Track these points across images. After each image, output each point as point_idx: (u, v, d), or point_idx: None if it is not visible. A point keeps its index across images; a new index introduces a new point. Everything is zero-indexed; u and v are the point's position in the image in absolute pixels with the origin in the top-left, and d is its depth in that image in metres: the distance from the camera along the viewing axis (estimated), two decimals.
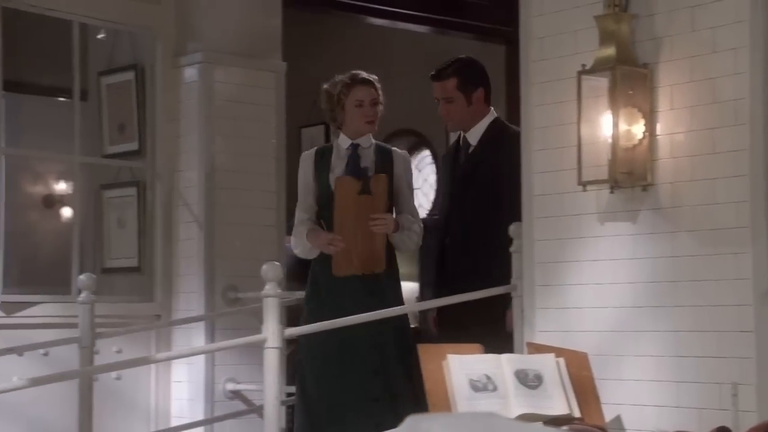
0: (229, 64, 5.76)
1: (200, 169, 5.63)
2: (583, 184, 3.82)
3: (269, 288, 3.73)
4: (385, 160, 4.53)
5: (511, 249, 4.16)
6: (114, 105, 5.94)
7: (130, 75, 5.86)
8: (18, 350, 4.69)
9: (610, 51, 3.75)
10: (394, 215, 4.51)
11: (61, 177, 7.04)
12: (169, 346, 5.58)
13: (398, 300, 4.49)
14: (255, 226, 5.75)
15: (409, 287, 7.76)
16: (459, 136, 4.74)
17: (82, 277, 4.62)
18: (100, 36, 5.93)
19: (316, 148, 4.68)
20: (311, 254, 4.49)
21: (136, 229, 5.77)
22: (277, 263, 3.80)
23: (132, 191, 5.80)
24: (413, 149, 9.23)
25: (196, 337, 5.53)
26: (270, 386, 3.72)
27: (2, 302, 5.10)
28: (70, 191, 6.37)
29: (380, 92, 4.52)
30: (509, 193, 4.25)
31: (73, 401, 4.68)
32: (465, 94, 4.57)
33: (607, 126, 3.74)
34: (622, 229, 3.88)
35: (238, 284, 5.57)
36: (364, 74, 4.52)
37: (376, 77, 4.56)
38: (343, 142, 4.55)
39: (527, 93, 4.15)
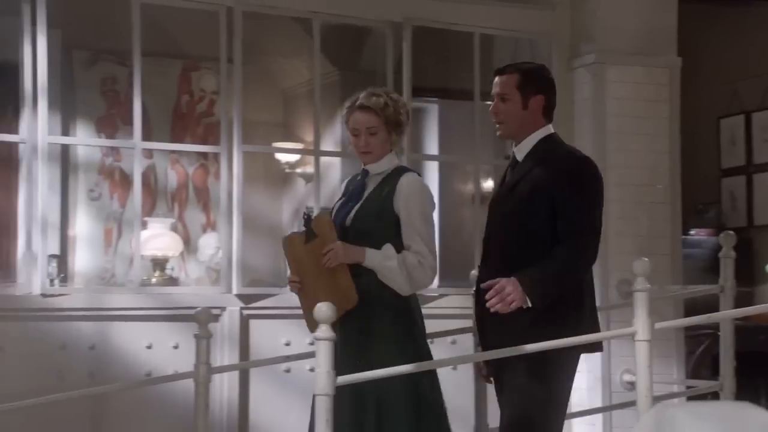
0: (622, 63, 5.93)
1: None
2: None
3: (639, 283, 3.88)
4: (389, 190, 3.95)
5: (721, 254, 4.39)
6: None
7: None
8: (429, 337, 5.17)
9: None
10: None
11: (488, 175, 7.58)
12: None
13: (388, 349, 3.87)
14: (649, 221, 5.87)
15: None
16: (512, 153, 4.08)
17: (474, 272, 4.99)
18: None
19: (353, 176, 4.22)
20: None
21: None
22: (645, 259, 3.88)
23: None
24: None
25: None
26: (642, 378, 3.86)
27: None
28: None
29: (387, 116, 3.94)
30: (555, 209, 3.78)
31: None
32: (523, 95, 3.91)
33: None
34: None
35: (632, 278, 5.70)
36: (364, 98, 3.96)
37: (388, 98, 3.98)
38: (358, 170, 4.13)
39: None
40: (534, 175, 3.86)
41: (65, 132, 7.45)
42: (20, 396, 4.20)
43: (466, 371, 5.23)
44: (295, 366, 5.39)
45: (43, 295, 4.92)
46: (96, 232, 7.58)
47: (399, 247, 3.88)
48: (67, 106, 7.50)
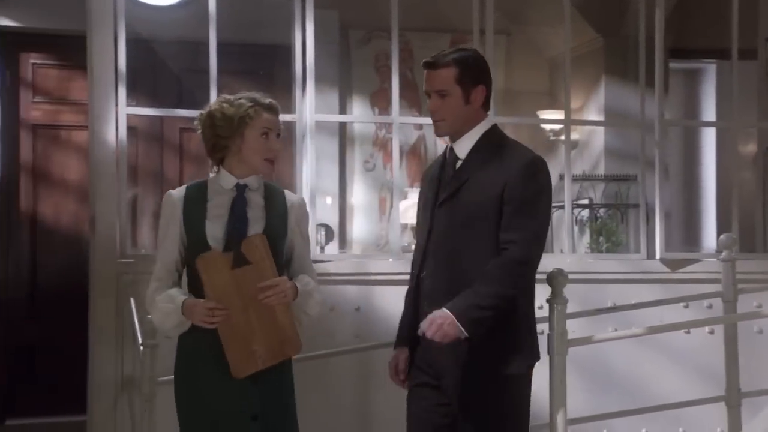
0: None
1: None
2: None
3: None
4: (278, 207, 3.59)
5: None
6: None
7: None
8: (684, 300, 5.24)
9: None
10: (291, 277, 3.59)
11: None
12: None
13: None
14: None
15: None
16: (445, 150, 3.71)
17: (722, 237, 5.00)
18: None
19: (186, 185, 3.63)
20: (180, 330, 3.54)
21: None
22: None
23: None
24: None
25: None
26: None
27: (664, 259, 5.68)
28: None
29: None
30: (510, 219, 3.45)
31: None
32: (463, 88, 3.55)
33: None
34: None
35: None
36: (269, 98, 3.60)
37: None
38: (225, 180, 3.57)
39: None
40: (484, 176, 3.53)
41: (342, 107, 7.94)
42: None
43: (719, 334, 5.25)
44: None
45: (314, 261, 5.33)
46: (371, 201, 8.04)
47: None
48: (344, 83, 7.98)
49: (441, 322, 3.40)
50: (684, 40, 8.00)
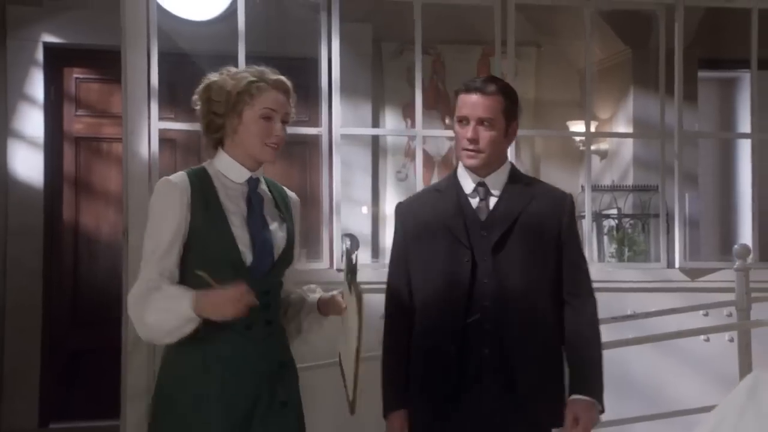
0: None
1: None
2: None
3: None
4: (287, 205, 3.14)
5: None
6: None
7: None
8: (697, 309, 5.34)
9: None
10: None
11: None
12: None
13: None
14: None
15: None
16: (450, 183, 3.40)
17: (736, 246, 5.10)
18: None
19: (185, 172, 3.02)
20: (180, 333, 2.91)
21: None
22: None
23: None
24: None
25: None
26: None
27: (683, 268, 5.78)
28: None
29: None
30: (574, 266, 3.29)
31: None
32: (507, 121, 3.33)
33: None
34: None
35: None
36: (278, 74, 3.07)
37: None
38: (231, 170, 3.02)
39: None
40: (534, 212, 3.29)
41: (375, 118, 8.09)
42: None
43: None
44: None
45: (337, 270, 5.48)
46: None
47: None
48: (377, 95, 8.14)
49: (589, 416, 3.18)
50: (718, 50, 8.05)
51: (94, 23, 7.19)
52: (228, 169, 3.01)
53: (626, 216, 7.18)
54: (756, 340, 5.05)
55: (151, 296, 2.90)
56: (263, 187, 3.08)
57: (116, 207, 7.54)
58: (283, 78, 3.04)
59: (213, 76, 3.04)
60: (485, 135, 3.28)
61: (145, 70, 5.41)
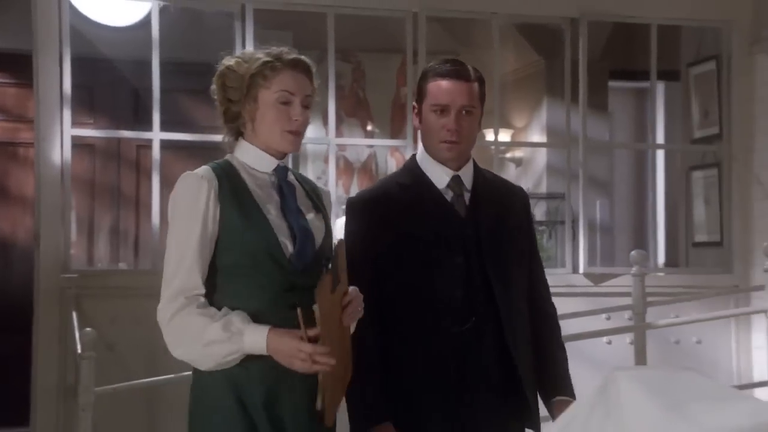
0: None
1: None
2: None
3: None
4: (318, 194, 2.85)
5: None
6: (699, 93, 6.42)
7: (711, 65, 6.29)
8: (597, 313, 5.52)
9: None
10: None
11: None
12: (748, 318, 5.95)
13: None
14: None
15: None
16: (416, 174, 3.05)
17: (633, 253, 5.25)
18: None
19: (208, 165, 2.72)
20: (232, 362, 2.59)
21: (718, 207, 6.21)
22: None
23: (714, 172, 6.24)
24: None
25: None
26: None
27: (587, 273, 5.95)
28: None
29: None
30: (537, 267, 3.14)
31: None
32: (480, 109, 3.03)
33: None
34: None
35: None
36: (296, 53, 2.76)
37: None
38: (256, 160, 2.74)
39: None
40: (508, 205, 3.09)
41: None
42: None
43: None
44: None
45: None
46: None
47: None
48: None
49: None
50: (630, 62, 8.26)
51: (10, 27, 7.17)
52: (253, 159, 2.73)
53: (535, 223, 7.36)
54: (652, 342, 5.22)
55: (190, 322, 2.59)
56: (291, 176, 2.81)
57: (33, 213, 7.52)
58: (302, 57, 2.76)
59: (227, 61, 2.76)
60: (466, 124, 2.96)
61: (58, 74, 5.41)
